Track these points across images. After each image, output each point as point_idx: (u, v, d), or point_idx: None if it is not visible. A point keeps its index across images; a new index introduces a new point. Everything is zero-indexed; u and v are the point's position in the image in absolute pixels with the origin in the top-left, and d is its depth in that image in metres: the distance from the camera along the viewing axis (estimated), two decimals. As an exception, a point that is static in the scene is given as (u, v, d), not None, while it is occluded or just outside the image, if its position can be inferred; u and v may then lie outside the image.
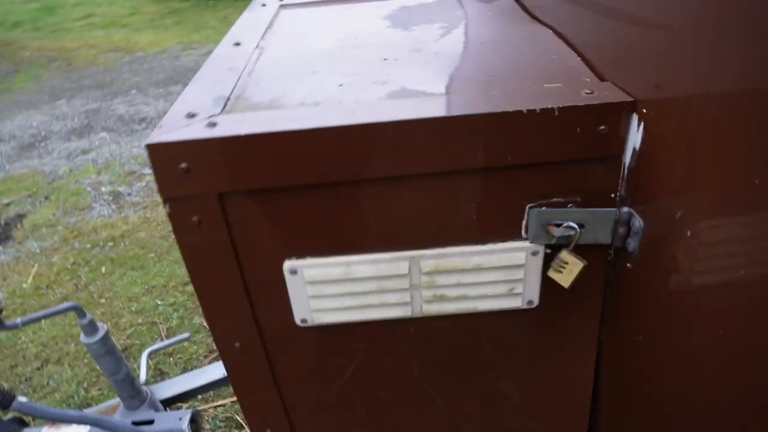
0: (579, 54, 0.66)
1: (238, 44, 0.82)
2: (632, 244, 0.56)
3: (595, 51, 0.63)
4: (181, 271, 2.45)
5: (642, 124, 0.52)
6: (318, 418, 0.76)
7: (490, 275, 0.62)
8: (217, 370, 1.45)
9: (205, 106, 0.61)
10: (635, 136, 0.54)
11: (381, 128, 0.54)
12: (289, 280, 0.63)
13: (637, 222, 0.55)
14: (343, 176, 0.56)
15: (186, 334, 1.52)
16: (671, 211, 0.50)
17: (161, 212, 2.90)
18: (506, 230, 0.60)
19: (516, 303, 0.65)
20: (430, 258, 0.61)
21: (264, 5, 1.04)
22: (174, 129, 0.56)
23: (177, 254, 2.56)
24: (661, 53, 0.49)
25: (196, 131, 0.55)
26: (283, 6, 1.04)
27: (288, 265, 0.62)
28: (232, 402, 1.85)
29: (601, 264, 0.62)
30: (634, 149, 0.54)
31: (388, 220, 0.60)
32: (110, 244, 2.74)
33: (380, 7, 0.99)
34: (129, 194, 3.19)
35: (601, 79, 0.60)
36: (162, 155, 0.54)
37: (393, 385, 0.73)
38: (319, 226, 0.60)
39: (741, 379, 0.44)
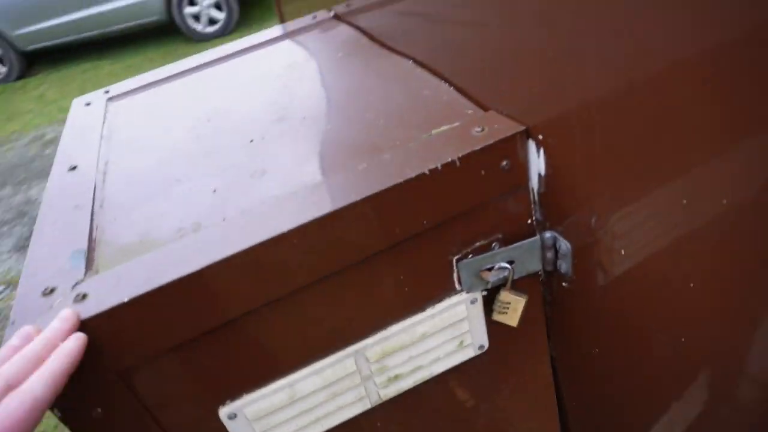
0: (449, 83, 0.64)
1: (74, 168, 0.70)
2: (564, 266, 0.55)
3: (465, 77, 0.62)
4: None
5: (541, 148, 0.51)
6: None
7: (438, 338, 0.59)
8: None
9: (62, 272, 0.51)
10: (537, 162, 0.52)
11: (284, 240, 0.47)
12: (230, 426, 0.55)
13: (563, 245, 0.54)
14: (258, 301, 0.49)
15: None
16: (586, 221, 0.49)
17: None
18: (440, 289, 0.57)
19: (469, 353, 0.62)
20: (374, 345, 0.56)
21: (88, 104, 0.92)
22: (35, 318, 0.45)
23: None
24: (533, 72, 0.47)
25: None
26: (110, 100, 0.91)
27: (224, 411, 0.54)
28: None
29: (537, 290, 0.61)
30: (540, 174, 0.53)
31: (319, 325, 0.54)
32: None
33: (214, 75, 0.91)
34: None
35: (483, 108, 0.58)
36: (31, 358, 0.43)
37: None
38: (246, 358, 0.52)
39: (689, 355, 0.44)
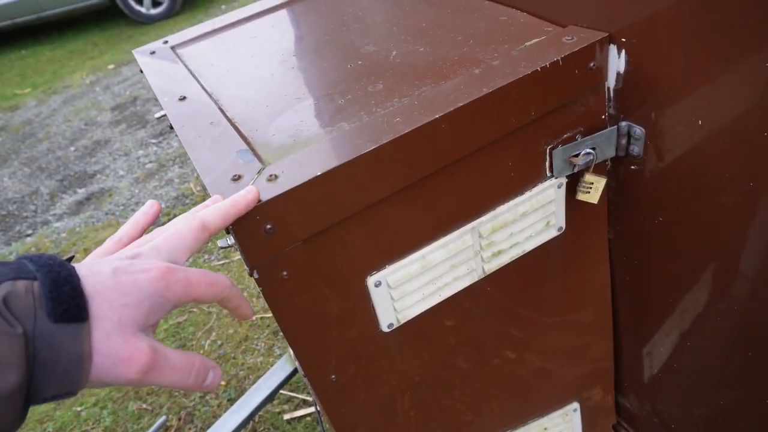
0: (521, 9, 0.76)
1: (183, 98, 0.78)
2: (635, 149, 0.69)
3: (535, 3, 0.73)
4: (86, 366, 2.18)
5: (623, 50, 0.64)
6: (412, 410, 0.80)
7: (532, 217, 0.71)
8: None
9: (238, 165, 0.60)
10: (617, 62, 0.65)
11: (433, 126, 0.58)
12: (374, 293, 0.65)
13: (638, 130, 0.67)
14: (407, 180, 0.60)
15: (162, 418, 1.40)
16: (659, 108, 0.63)
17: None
18: (536, 174, 0.69)
19: (552, 233, 0.74)
20: (487, 222, 0.68)
21: (153, 52, 0.97)
22: (237, 196, 0.54)
23: (71, 351, 2.27)
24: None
25: (267, 190, 0.54)
26: (174, 47, 0.98)
27: (372, 279, 0.64)
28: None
29: (605, 175, 0.74)
30: (618, 73, 0.66)
31: (448, 203, 0.65)
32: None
33: (276, 21, 0.99)
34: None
35: (561, 25, 0.70)
36: (246, 225, 0.53)
37: (471, 350, 0.79)
38: (392, 233, 0.63)
39: (749, 236, 0.59)
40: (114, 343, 0.39)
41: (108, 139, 4.04)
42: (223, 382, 1.93)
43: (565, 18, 0.69)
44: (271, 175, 0.56)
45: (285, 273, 0.58)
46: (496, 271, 0.73)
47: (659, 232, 0.73)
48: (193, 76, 0.85)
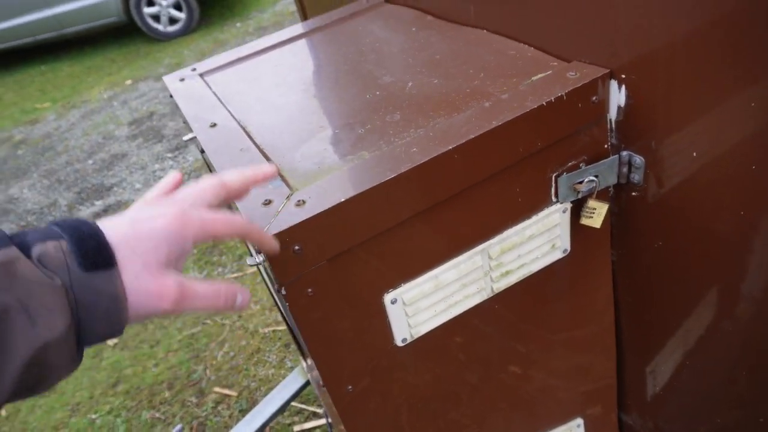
0: (528, 44, 0.81)
1: (214, 125, 0.84)
2: (636, 177, 0.73)
3: (542, 39, 0.79)
4: (102, 375, 2.24)
5: (623, 85, 0.69)
6: (420, 422, 0.84)
7: (538, 240, 0.76)
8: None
9: (268, 191, 0.65)
10: (618, 96, 0.70)
11: (447, 157, 0.63)
12: (390, 309, 0.70)
13: (638, 159, 0.72)
14: (422, 205, 0.65)
15: (178, 426, 1.45)
16: (658, 140, 0.68)
17: (42, 326, 2.58)
18: (541, 201, 0.74)
19: (557, 255, 0.79)
20: (496, 244, 0.73)
21: (182, 79, 1.04)
22: (268, 220, 0.60)
23: (88, 361, 2.33)
24: (606, 26, 0.65)
25: (295, 214, 0.59)
26: (203, 75, 1.04)
27: (388, 296, 0.69)
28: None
29: (608, 201, 0.79)
30: (619, 106, 0.71)
31: (460, 226, 0.70)
32: (-2, 383, 2.38)
33: (297, 51, 1.05)
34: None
35: (566, 60, 0.75)
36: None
37: (479, 365, 0.84)
38: (408, 254, 0.68)
39: (766, 252, 0.63)
40: (143, 281, 0.44)
41: (125, 153, 4.14)
42: (234, 393, 1.98)
43: (570, 54, 0.75)
44: (299, 201, 0.61)
45: (310, 290, 0.63)
46: (505, 290, 0.78)
47: (659, 255, 0.78)
48: (222, 103, 0.91)
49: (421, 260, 0.69)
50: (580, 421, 1.01)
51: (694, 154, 0.64)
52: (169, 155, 3.93)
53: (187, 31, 6.39)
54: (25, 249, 0.41)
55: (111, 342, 2.37)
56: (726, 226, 0.66)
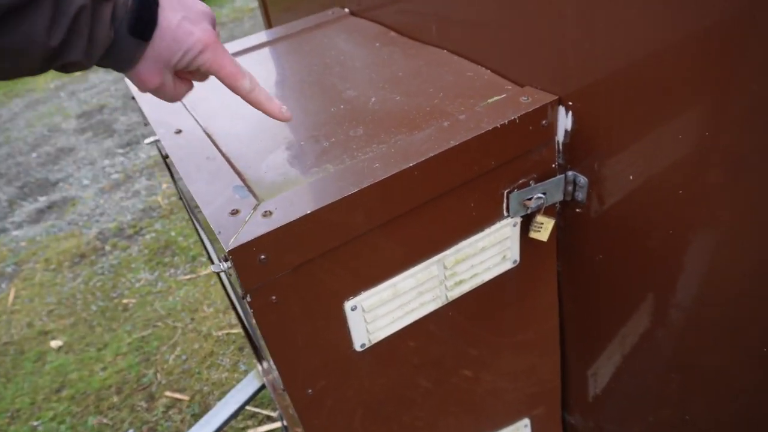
0: (485, 66, 0.86)
1: (179, 131, 0.85)
2: (580, 195, 0.79)
3: (499, 62, 0.84)
4: (45, 380, 2.17)
5: (570, 111, 0.74)
6: (376, 423, 0.88)
7: (490, 251, 0.81)
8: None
9: (235, 200, 0.67)
10: (565, 121, 0.76)
11: (407, 173, 0.67)
12: (350, 316, 0.73)
13: (582, 179, 0.78)
14: (383, 218, 0.69)
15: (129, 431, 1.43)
16: (600, 161, 0.74)
17: (-20, 327, 2.48)
18: (494, 214, 0.79)
19: (507, 265, 0.84)
20: (451, 255, 0.77)
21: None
22: (235, 229, 0.62)
23: (30, 365, 2.25)
24: (558, 55, 0.71)
25: (262, 225, 0.62)
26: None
27: (348, 304, 0.72)
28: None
29: (555, 216, 0.85)
30: (566, 130, 0.76)
31: (418, 238, 0.74)
32: (-70, 387, 2.27)
33: (259, 61, 1.07)
34: None
35: (519, 84, 0.80)
36: (243, 255, 0.60)
37: (432, 369, 0.88)
38: (368, 263, 0.71)
39: (692, 267, 0.70)
40: (145, 67, 0.56)
41: (72, 147, 4.00)
42: (186, 398, 1.96)
43: (523, 79, 0.80)
44: (266, 212, 0.64)
45: (274, 297, 0.65)
46: (458, 297, 0.82)
47: (600, 267, 0.84)
48: (186, 109, 0.92)
49: (380, 269, 0.73)
50: (527, 421, 1.07)
51: (631, 177, 0.71)
52: (120, 151, 3.83)
53: (141, 24, 6.20)
54: None
55: (55, 345, 2.30)
56: (657, 243, 0.72)
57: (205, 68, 0.60)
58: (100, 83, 5.01)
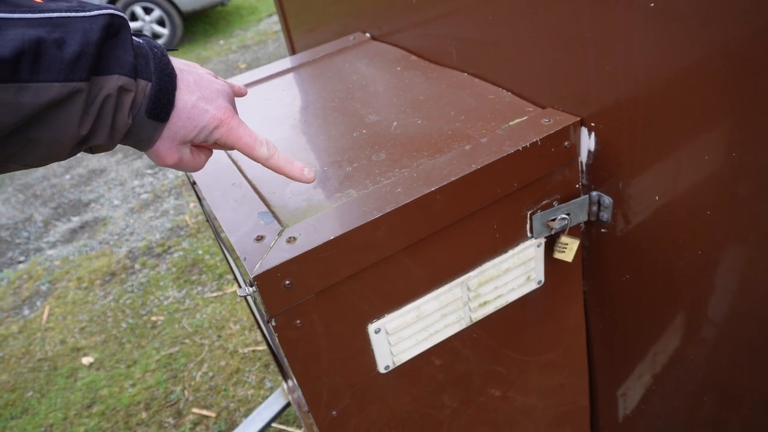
0: (506, 89, 0.87)
1: (206, 157, 0.87)
2: (605, 215, 0.79)
3: (520, 85, 0.84)
4: (76, 396, 2.21)
5: (593, 132, 0.74)
6: (402, 444, 0.88)
7: (514, 273, 0.80)
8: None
9: (260, 226, 0.69)
10: (588, 142, 0.76)
11: (429, 198, 0.68)
12: (374, 338, 0.74)
13: (606, 199, 0.77)
14: (406, 242, 0.69)
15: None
16: (625, 182, 0.73)
17: (14, 345, 2.54)
18: (518, 235, 0.79)
19: (532, 286, 0.84)
20: (474, 277, 0.77)
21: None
22: (260, 255, 0.63)
23: (62, 381, 2.30)
24: (579, 78, 0.71)
25: (287, 251, 0.63)
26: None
27: (372, 327, 0.73)
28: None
29: (579, 238, 0.84)
30: (589, 151, 0.76)
31: (441, 261, 0.74)
32: (-34, 402, 2.33)
33: (285, 85, 1.09)
34: (-42, 341, 2.72)
35: (540, 106, 0.81)
36: (268, 281, 0.61)
37: (457, 389, 0.88)
38: (392, 286, 0.72)
39: (722, 286, 0.69)
40: (162, 145, 0.58)
41: (104, 169, 4.11)
42: (213, 414, 1.98)
43: (544, 100, 0.80)
44: (290, 237, 0.65)
45: (298, 321, 0.66)
46: (482, 318, 0.82)
47: (627, 287, 0.83)
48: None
49: (404, 292, 0.73)
50: (553, 443, 1.06)
51: (657, 197, 0.70)
52: (149, 171, 3.92)
53: (170, 47, 6.37)
54: (138, 74, 0.53)
55: (86, 361, 2.35)
56: (685, 262, 0.71)
57: (222, 142, 0.61)
58: (130, 105, 5.14)
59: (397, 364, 0.78)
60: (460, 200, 0.70)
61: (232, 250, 0.71)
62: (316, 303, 0.66)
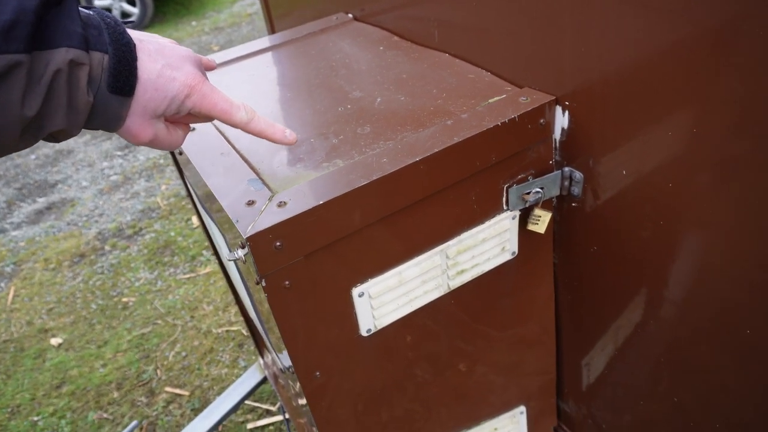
0: (486, 69, 0.91)
1: (193, 129, 0.89)
2: (576, 190, 0.84)
3: (499, 65, 0.88)
4: (45, 376, 2.19)
5: (567, 111, 0.79)
6: (380, 406, 0.92)
7: (490, 243, 0.85)
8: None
9: (250, 192, 0.71)
10: (562, 120, 0.80)
11: (413, 168, 0.71)
12: (357, 302, 0.77)
13: (578, 174, 0.82)
14: (390, 209, 0.73)
15: (134, 422, 1.46)
16: (595, 158, 0.78)
17: (-20, 325, 2.49)
18: (494, 208, 0.83)
19: (507, 256, 0.89)
20: (453, 246, 0.82)
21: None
22: (252, 218, 0.66)
23: (30, 362, 2.27)
24: (554, 58, 0.75)
25: (278, 214, 0.66)
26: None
27: (356, 290, 0.76)
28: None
29: (551, 210, 0.89)
30: (563, 128, 0.81)
31: (422, 229, 0.78)
32: (-70, 384, 2.28)
33: (271, 62, 1.11)
34: None
35: (518, 86, 0.85)
36: (260, 242, 0.64)
37: (433, 357, 0.92)
38: (376, 252, 0.76)
39: (681, 258, 0.74)
40: (134, 122, 0.55)
41: (71, 150, 4.02)
42: (186, 393, 1.99)
43: (522, 80, 0.85)
44: (280, 202, 0.68)
45: (287, 282, 0.69)
46: (459, 287, 0.86)
47: (594, 259, 0.89)
48: (199, 107, 0.96)
49: (387, 258, 0.77)
50: (523, 408, 1.12)
51: (624, 171, 0.75)
52: (119, 153, 3.85)
53: (140, 26, 6.24)
54: (90, 46, 0.49)
55: (55, 342, 2.32)
56: (649, 233, 0.77)
57: (196, 111, 0.58)
58: (97, 85, 5.02)
59: (379, 328, 0.81)
60: (442, 171, 0.74)
61: (221, 218, 0.74)
62: (304, 265, 0.70)
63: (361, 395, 0.88)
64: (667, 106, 0.65)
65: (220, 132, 0.88)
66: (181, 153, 0.89)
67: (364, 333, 0.81)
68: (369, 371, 0.86)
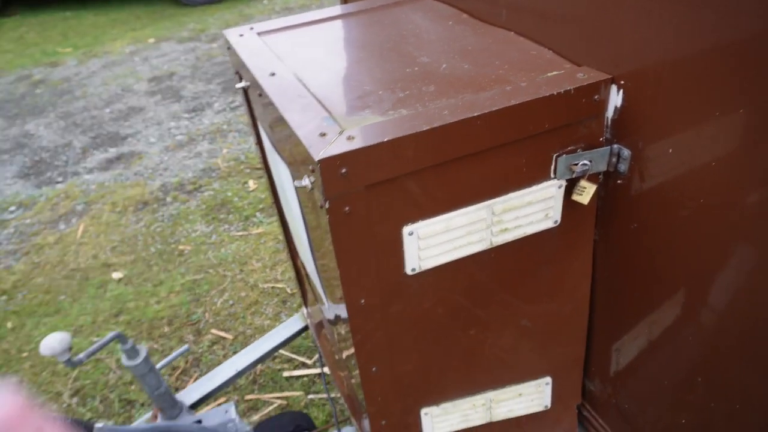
0: (548, 47, 0.97)
1: (273, 74, 0.99)
2: (622, 167, 0.89)
3: (560, 44, 0.94)
4: (105, 304, 2.38)
5: (621, 90, 0.84)
6: (414, 350, 1.00)
7: (535, 207, 0.91)
8: (226, 370, 1.56)
9: (323, 126, 0.80)
10: (616, 99, 0.86)
11: (471, 122, 0.79)
12: (406, 240, 0.85)
13: (626, 152, 0.87)
14: (446, 157, 0.80)
15: (185, 347, 1.59)
16: (649, 139, 0.83)
17: (50, 253, 2.71)
18: (542, 174, 0.90)
19: (549, 223, 0.95)
20: (500, 203, 0.88)
21: (241, 35, 1.19)
22: (324, 146, 0.75)
23: (93, 290, 2.46)
24: (614, 39, 0.81)
25: (346, 144, 0.74)
26: (260, 34, 1.19)
27: (407, 229, 0.84)
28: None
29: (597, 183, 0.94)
30: (616, 107, 0.86)
31: (473, 181, 0.85)
32: (3, 298, 2.51)
33: (345, 28, 1.20)
34: (-2, 244, 2.90)
35: (577, 64, 0.91)
36: (329, 166, 0.73)
37: (469, 308, 0.99)
38: (428, 196, 0.83)
39: (723, 239, 0.79)
40: None
41: (142, 107, 4.26)
42: (230, 336, 2.13)
43: (581, 59, 0.90)
44: (349, 136, 0.76)
45: (347, 208, 0.78)
46: (501, 245, 0.93)
47: (634, 237, 0.93)
48: (279, 58, 1.06)
49: (438, 203, 0.85)
50: (549, 379, 1.17)
51: (670, 150, 0.80)
52: (186, 115, 4.06)
53: (215, 0, 6.49)
54: None
55: (116, 276, 2.51)
56: (689, 212, 0.82)
57: None
58: (171, 52, 5.29)
59: (423, 269, 0.89)
60: (497, 129, 0.81)
61: (294, 148, 0.83)
62: (364, 195, 0.78)
63: (397, 333, 0.96)
64: (725, 100, 0.69)
65: (298, 79, 0.97)
66: (261, 95, 0.98)
67: (408, 271, 0.89)
68: (408, 310, 0.94)
